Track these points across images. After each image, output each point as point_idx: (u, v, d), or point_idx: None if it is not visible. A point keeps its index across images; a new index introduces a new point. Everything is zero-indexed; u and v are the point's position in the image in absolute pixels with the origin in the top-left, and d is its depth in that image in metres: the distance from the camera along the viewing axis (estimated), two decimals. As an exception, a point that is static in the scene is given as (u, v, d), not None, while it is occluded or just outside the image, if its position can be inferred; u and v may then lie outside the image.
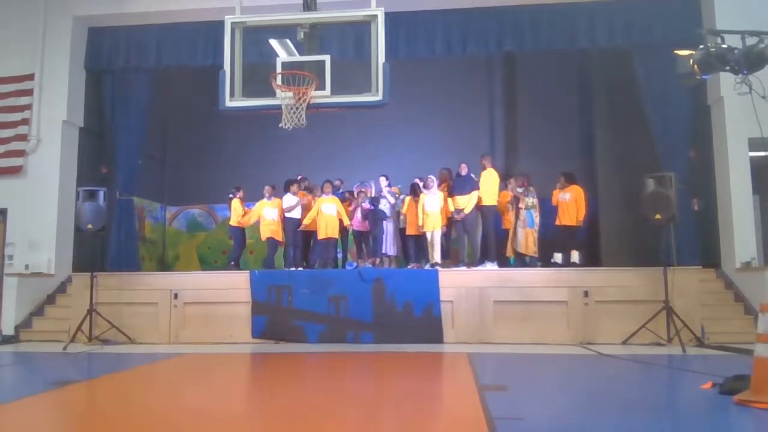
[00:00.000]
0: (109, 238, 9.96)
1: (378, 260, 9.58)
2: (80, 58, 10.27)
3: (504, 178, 9.86)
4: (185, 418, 3.85)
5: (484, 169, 9.53)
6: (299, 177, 9.97)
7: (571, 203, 9.22)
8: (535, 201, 9.29)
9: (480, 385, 4.65)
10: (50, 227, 9.60)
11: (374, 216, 9.59)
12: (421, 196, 9.29)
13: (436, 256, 9.09)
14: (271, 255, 9.66)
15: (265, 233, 9.67)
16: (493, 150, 11.66)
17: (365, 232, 9.92)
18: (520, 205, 9.29)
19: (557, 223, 9.38)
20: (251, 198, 10.29)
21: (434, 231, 9.15)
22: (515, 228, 9.37)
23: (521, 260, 9.47)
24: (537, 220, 9.25)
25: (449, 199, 9.43)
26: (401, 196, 9.89)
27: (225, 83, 6.46)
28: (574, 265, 9.06)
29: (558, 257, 9.32)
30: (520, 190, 9.34)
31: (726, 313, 8.16)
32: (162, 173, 12.93)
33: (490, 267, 9.08)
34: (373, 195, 10.06)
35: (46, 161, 9.77)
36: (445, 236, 9.62)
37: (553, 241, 9.57)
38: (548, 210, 9.58)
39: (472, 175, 9.41)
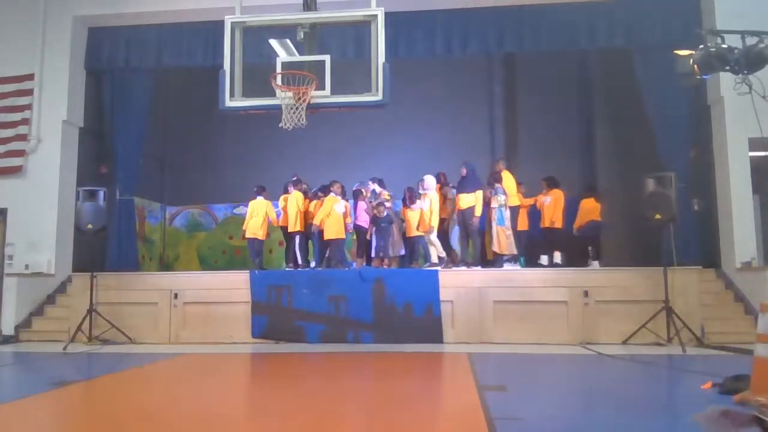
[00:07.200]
0: (109, 239, 9.97)
1: (384, 261, 9.52)
2: (80, 58, 10.26)
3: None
4: (185, 418, 3.85)
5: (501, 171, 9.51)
6: (294, 177, 9.94)
7: (550, 206, 9.36)
8: (505, 198, 9.09)
9: (480, 385, 4.66)
10: (50, 227, 9.60)
11: (385, 220, 9.51)
12: (427, 197, 9.15)
13: (434, 256, 9.06)
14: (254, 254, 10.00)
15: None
16: (492, 150, 11.68)
17: (367, 229, 9.88)
18: (493, 205, 9.11)
19: (541, 225, 9.52)
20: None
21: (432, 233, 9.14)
22: (490, 228, 9.23)
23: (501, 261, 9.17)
24: (507, 216, 9.04)
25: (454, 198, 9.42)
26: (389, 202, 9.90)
27: (225, 83, 6.47)
28: (557, 265, 9.04)
29: (544, 259, 9.30)
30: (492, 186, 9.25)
31: (726, 313, 8.15)
32: (162, 173, 12.92)
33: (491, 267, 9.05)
34: (372, 198, 10.03)
35: (46, 161, 9.76)
36: (442, 236, 9.58)
37: (539, 244, 9.61)
38: (536, 212, 9.73)
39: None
